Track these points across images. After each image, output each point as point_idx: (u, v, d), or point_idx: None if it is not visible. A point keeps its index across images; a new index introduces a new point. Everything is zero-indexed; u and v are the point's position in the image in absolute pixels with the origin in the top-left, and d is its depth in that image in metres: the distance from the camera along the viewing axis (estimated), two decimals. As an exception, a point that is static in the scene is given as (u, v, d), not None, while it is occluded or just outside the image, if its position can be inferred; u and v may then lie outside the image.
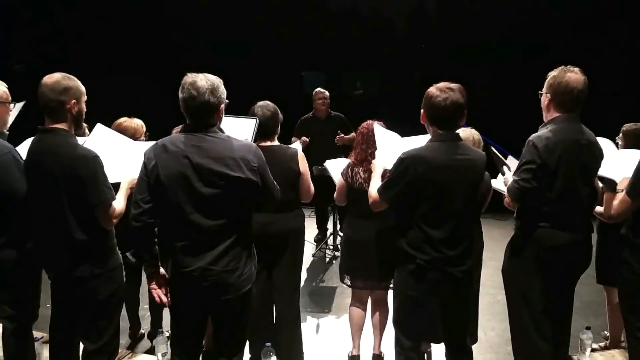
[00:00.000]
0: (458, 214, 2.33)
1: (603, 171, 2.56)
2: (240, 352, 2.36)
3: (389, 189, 2.39)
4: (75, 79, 2.29)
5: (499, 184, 2.74)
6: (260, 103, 2.96)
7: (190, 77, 2.09)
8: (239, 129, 2.65)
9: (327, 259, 5.36)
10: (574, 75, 2.40)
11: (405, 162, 2.30)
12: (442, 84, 2.33)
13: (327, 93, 5.34)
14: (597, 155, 2.48)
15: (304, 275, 3.14)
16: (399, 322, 2.51)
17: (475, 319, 3.06)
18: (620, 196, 2.54)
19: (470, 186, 2.36)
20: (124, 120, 3.24)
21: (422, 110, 2.39)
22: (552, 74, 2.47)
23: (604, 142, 2.73)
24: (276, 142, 2.97)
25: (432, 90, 2.33)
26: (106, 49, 7.39)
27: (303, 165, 2.93)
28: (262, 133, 2.91)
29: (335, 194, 3.10)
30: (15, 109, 2.68)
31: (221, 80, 2.15)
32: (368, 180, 2.89)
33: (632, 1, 6.61)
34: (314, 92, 5.41)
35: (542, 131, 2.44)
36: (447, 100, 2.27)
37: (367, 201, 2.89)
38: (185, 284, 2.16)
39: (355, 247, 3.03)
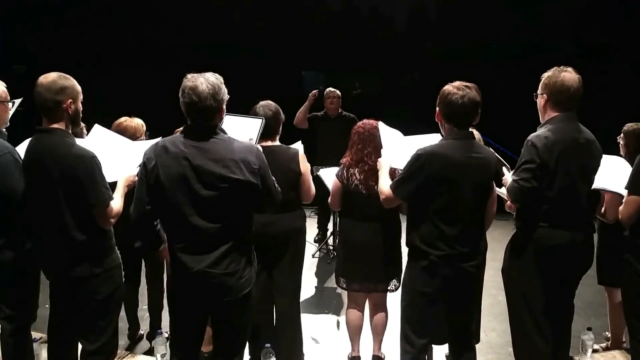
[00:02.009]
0: (470, 211, 2.35)
1: (613, 185, 2.55)
2: (240, 353, 2.35)
3: (404, 185, 2.39)
4: (71, 78, 2.27)
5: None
6: (262, 102, 2.95)
7: (190, 81, 2.04)
8: (244, 129, 2.64)
9: (328, 260, 5.36)
10: (568, 74, 2.41)
11: (422, 159, 2.30)
12: (457, 83, 2.35)
13: (338, 92, 5.37)
14: (596, 154, 2.47)
15: (304, 275, 3.12)
16: (410, 320, 2.50)
17: (478, 318, 3.05)
18: (625, 198, 2.52)
19: (483, 184, 2.39)
20: (124, 120, 3.24)
21: (437, 108, 2.40)
22: (547, 74, 2.49)
23: (617, 161, 2.71)
24: (277, 142, 2.95)
25: (449, 88, 2.34)
26: (106, 48, 7.39)
27: (304, 165, 2.92)
28: (263, 133, 2.90)
29: (329, 198, 3.07)
30: (12, 107, 2.67)
31: (221, 80, 2.11)
32: (364, 181, 2.88)
33: (631, 1, 6.61)
34: (325, 91, 5.43)
35: (541, 131, 2.44)
36: (464, 98, 2.28)
37: (363, 203, 2.89)
38: (185, 286, 2.14)
39: (352, 250, 3.01)
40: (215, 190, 2.04)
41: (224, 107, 2.15)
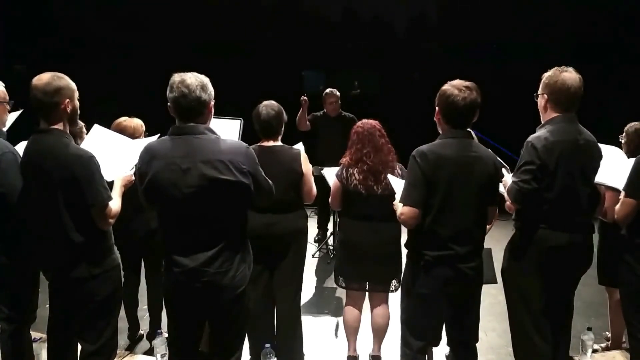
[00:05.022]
0: (468, 211, 2.31)
1: (611, 180, 2.54)
2: (237, 352, 2.34)
3: (411, 192, 2.31)
4: (65, 76, 2.24)
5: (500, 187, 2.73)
6: (266, 102, 2.94)
7: (178, 76, 2.07)
8: (223, 131, 2.59)
9: (328, 260, 5.36)
10: (568, 74, 2.41)
11: (415, 159, 2.27)
12: (457, 82, 2.32)
13: (337, 93, 5.37)
14: (596, 155, 2.46)
15: (304, 275, 3.12)
16: (408, 322, 2.49)
17: (478, 318, 3.04)
18: (622, 199, 2.52)
19: (481, 184, 2.33)
20: (123, 120, 3.24)
21: (436, 108, 2.37)
22: (547, 74, 2.48)
23: (614, 152, 2.71)
24: (279, 142, 2.95)
25: (449, 88, 2.30)
26: (107, 48, 7.39)
27: (306, 166, 2.91)
28: (265, 132, 2.90)
29: (330, 198, 3.06)
30: (12, 115, 2.66)
31: (208, 79, 2.13)
32: (363, 181, 2.87)
33: (632, 1, 6.61)
34: (324, 92, 5.44)
35: (540, 132, 2.43)
36: (466, 99, 2.26)
37: (363, 203, 2.89)
38: (179, 285, 2.14)
39: (351, 249, 3.00)
40: (205, 192, 2.03)
41: (212, 106, 2.15)
